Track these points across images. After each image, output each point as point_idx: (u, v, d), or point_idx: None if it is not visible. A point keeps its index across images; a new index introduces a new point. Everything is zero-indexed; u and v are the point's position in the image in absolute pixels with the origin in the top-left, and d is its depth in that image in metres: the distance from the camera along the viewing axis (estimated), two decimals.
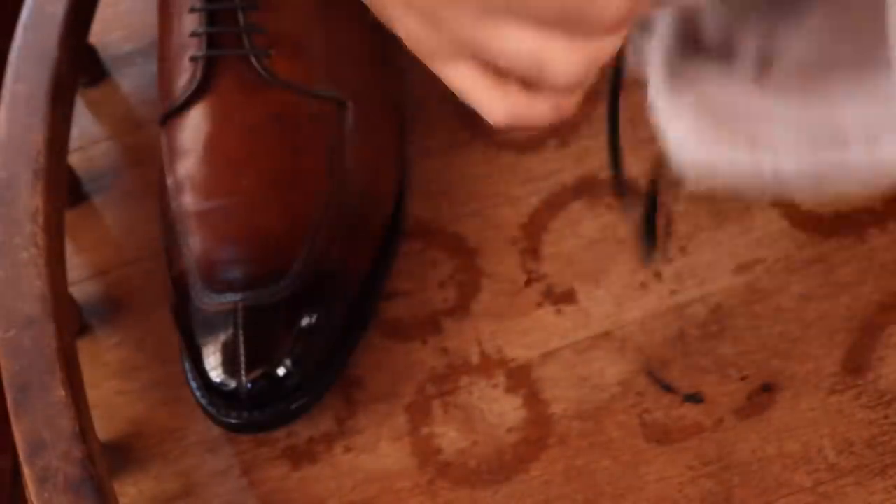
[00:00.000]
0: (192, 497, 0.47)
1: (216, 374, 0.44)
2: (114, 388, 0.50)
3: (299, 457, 0.48)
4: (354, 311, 0.48)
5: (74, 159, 0.56)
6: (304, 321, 0.45)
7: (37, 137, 0.50)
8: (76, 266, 0.53)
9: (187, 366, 0.46)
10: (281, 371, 0.44)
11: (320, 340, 0.46)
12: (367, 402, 0.48)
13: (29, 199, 0.49)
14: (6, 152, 0.50)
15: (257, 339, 0.44)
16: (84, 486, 0.42)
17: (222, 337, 0.44)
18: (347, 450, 0.47)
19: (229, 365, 0.44)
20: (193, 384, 0.46)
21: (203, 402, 0.46)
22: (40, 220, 0.48)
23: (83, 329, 0.52)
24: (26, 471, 0.43)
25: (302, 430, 0.48)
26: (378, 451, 0.47)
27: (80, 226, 0.55)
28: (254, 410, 0.45)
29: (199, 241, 0.46)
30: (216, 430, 0.47)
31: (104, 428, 0.49)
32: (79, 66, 0.55)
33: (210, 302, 0.45)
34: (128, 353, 0.51)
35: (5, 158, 0.50)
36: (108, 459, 0.46)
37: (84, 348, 0.50)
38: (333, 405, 0.48)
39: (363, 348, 0.49)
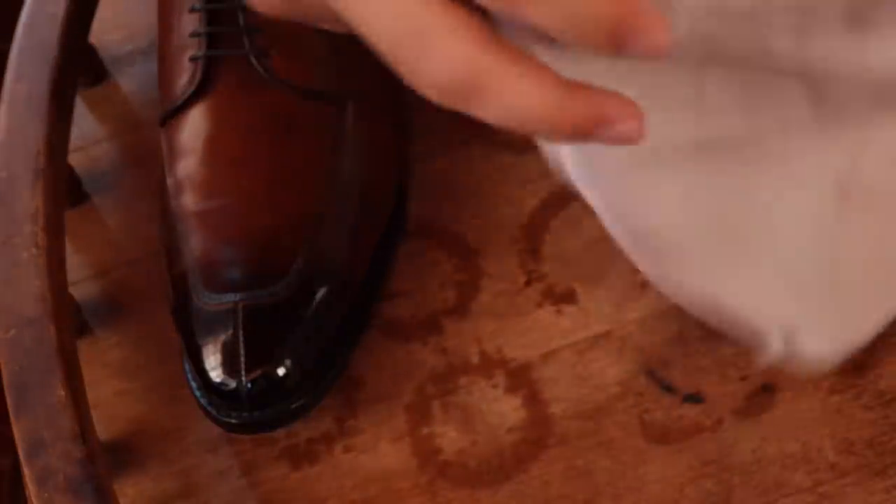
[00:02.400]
0: (192, 497, 0.47)
1: (216, 374, 0.44)
2: (114, 388, 0.50)
3: (299, 457, 0.48)
4: (354, 312, 0.48)
5: (74, 159, 0.56)
6: (304, 321, 0.45)
7: (37, 137, 0.50)
8: (76, 266, 0.53)
9: (187, 366, 0.46)
10: (281, 371, 0.44)
11: (320, 340, 0.45)
12: (367, 402, 0.48)
13: (29, 199, 0.49)
14: (6, 152, 0.50)
15: (257, 339, 0.44)
16: (84, 486, 0.42)
17: (222, 337, 0.44)
18: (347, 450, 0.47)
19: (229, 365, 0.44)
20: (193, 384, 0.46)
21: (203, 402, 0.46)
22: (40, 220, 0.48)
23: (83, 329, 0.52)
24: (26, 471, 0.43)
25: (302, 431, 0.48)
26: (378, 451, 0.47)
27: (80, 226, 0.55)
28: (254, 411, 0.45)
29: (199, 241, 0.46)
30: (216, 430, 0.47)
31: (104, 428, 0.49)
32: (79, 66, 0.55)
33: (210, 302, 0.45)
34: (128, 353, 0.51)
35: (5, 158, 0.50)
36: (108, 459, 0.46)
37: (84, 348, 0.50)
38: (333, 405, 0.48)
39: (363, 348, 0.49)
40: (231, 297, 0.44)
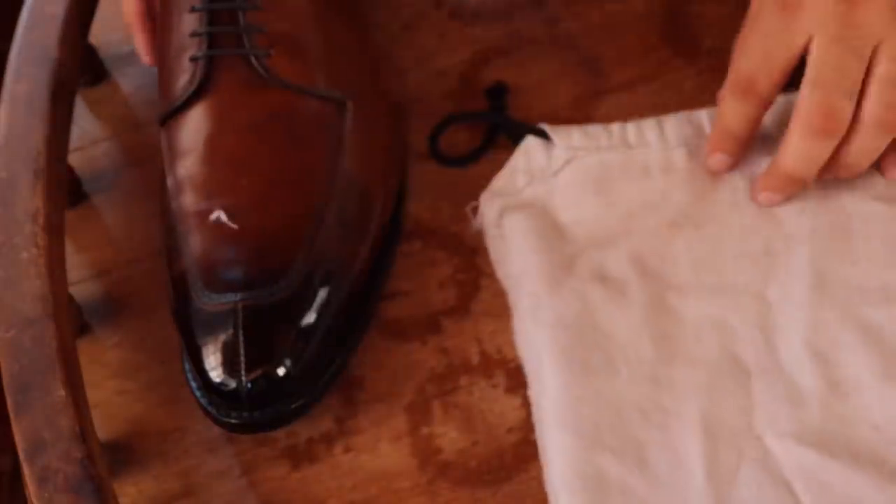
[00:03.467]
0: (192, 497, 0.47)
1: (216, 374, 0.44)
2: (114, 388, 0.50)
3: (299, 457, 0.48)
4: (354, 311, 0.48)
5: (74, 159, 0.56)
6: (304, 321, 0.45)
7: (37, 137, 0.50)
8: (76, 266, 0.53)
9: (187, 366, 0.46)
10: (281, 371, 0.44)
11: (320, 340, 0.45)
12: (367, 402, 0.48)
13: (29, 199, 0.49)
14: (6, 152, 0.50)
15: (257, 339, 0.44)
16: (84, 486, 0.42)
17: (222, 337, 0.44)
18: (347, 450, 0.47)
19: (229, 365, 0.44)
20: (193, 384, 0.46)
21: (203, 401, 0.46)
22: (40, 220, 0.48)
23: (83, 329, 0.52)
24: (26, 471, 0.43)
25: (302, 431, 0.48)
26: (378, 451, 0.47)
27: (80, 226, 0.55)
28: (254, 410, 0.45)
29: (199, 241, 0.46)
30: (216, 430, 0.47)
31: (104, 428, 0.49)
32: (79, 66, 0.55)
33: (210, 302, 0.45)
34: (128, 353, 0.51)
35: (5, 158, 0.50)
36: (108, 459, 0.46)
37: (84, 348, 0.50)
38: (333, 405, 0.48)
39: (363, 348, 0.49)
40: (231, 297, 0.44)
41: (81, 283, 0.53)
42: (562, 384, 0.45)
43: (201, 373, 0.45)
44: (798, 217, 0.48)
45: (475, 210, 0.51)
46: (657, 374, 0.46)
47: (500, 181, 0.51)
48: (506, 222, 0.50)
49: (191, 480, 0.48)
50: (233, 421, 0.45)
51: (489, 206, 0.50)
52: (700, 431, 0.44)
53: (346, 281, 0.47)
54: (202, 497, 0.47)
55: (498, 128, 0.53)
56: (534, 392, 0.47)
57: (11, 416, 0.44)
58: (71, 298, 0.51)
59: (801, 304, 0.46)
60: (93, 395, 0.47)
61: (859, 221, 0.48)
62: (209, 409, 0.45)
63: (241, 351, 0.44)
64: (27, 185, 0.49)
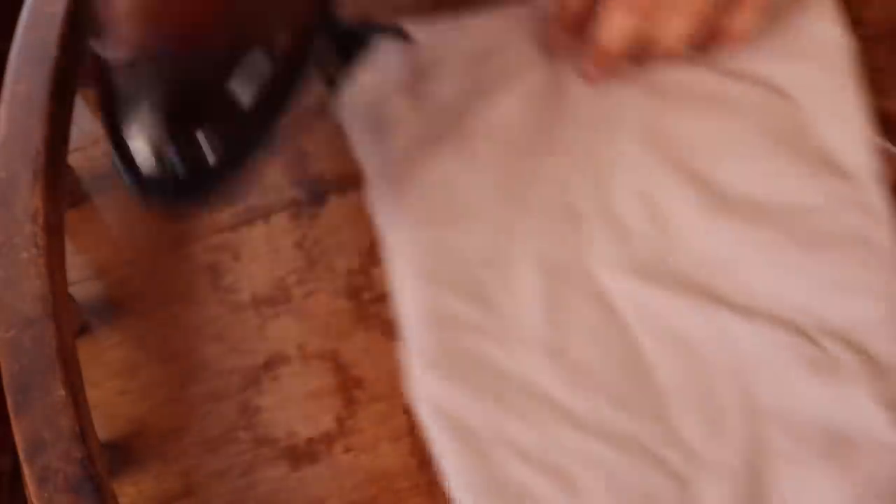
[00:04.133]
0: (192, 497, 0.47)
1: (141, 157, 0.44)
2: (114, 387, 0.50)
3: (299, 457, 0.48)
4: (276, 89, 0.46)
5: (74, 159, 0.56)
6: (225, 93, 0.44)
7: (37, 137, 0.50)
8: (76, 266, 0.53)
9: (105, 124, 0.46)
10: (201, 141, 0.44)
11: (241, 115, 0.45)
12: (367, 402, 0.48)
13: (29, 199, 0.49)
14: (6, 152, 0.50)
15: (178, 110, 0.43)
16: (84, 486, 0.42)
17: (144, 112, 0.43)
18: (347, 450, 0.48)
19: (150, 139, 0.43)
20: (115, 157, 0.45)
21: (129, 180, 0.45)
22: (40, 220, 0.48)
23: (83, 329, 0.52)
24: (26, 471, 0.43)
25: (302, 430, 0.48)
26: (378, 451, 0.47)
27: (80, 226, 0.55)
28: (179, 188, 0.44)
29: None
30: (216, 430, 0.47)
31: (104, 428, 0.49)
32: (79, 66, 0.55)
33: (133, 70, 0.44)
34: (128, 352, 0.51)
35: (5, 158, 0.50)
36: (108, 459, 0.46)
37: (84, 348, 0.50)
38: (334, 405, 0.48)
39: (363, 348, 0.49)
40: (153, 68, 0.43)
41: (81, 283, 0.53)
42: (411, 238, 0.49)
43: (119, 143, 0.44)
44: (630, 88, 0.52)
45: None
46: (497, 223, 0.49)
47: (361, 80, 0.53)
48: (376, 111, 0.53)
49: (191, 480, 0.48)
50: (158, 196, 0.45)
51: (351, 109, 0.53)
52: (537, 270, 0.48)
53: (268, 58, 0.45)
54: (202, 497, 0.47)
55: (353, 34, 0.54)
56: (388, 256, 0.50)
57: (11, 416, 0.44)
58: (71, 298, 0.51)
59: (634, 161, 0.50)
60: (93, 395, 0.47)
61: (688, 89, 0.51)
62: (133, 186, 0.45)
63: (162, 124, 0.43)
64: (27, 185, 0.49)
